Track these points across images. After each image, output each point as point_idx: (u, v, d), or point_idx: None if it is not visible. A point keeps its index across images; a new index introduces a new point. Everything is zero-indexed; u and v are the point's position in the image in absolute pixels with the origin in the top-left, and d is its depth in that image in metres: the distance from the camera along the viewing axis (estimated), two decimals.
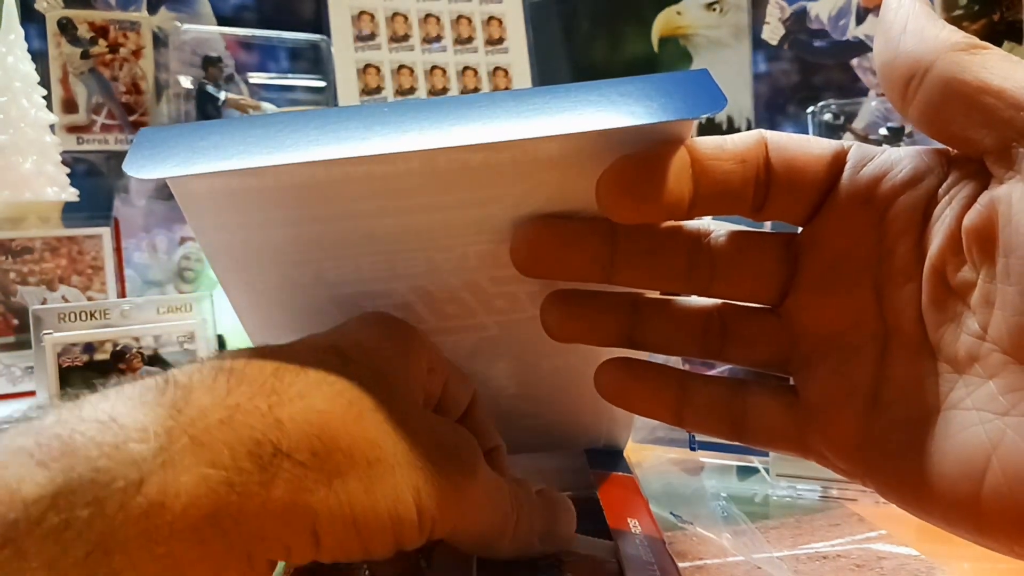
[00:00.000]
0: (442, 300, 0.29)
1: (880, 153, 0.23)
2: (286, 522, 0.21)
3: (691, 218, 0.24)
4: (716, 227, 0.25)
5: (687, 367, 0.36)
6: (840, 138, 0.65)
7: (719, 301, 0.26)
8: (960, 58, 0.20)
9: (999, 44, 0.63)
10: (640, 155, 0.23)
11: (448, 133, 0.22)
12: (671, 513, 0.40)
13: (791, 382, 0.25)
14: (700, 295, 0.25)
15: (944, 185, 0.22)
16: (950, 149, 0.22)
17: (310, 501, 0.21)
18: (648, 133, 0.23)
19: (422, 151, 0.22)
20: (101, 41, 0.78)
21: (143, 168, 0.22)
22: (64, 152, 0.69)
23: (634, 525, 0.31)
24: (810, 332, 0.24)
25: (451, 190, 0.25)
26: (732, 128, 0.93)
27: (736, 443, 0.26)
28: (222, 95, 0.80)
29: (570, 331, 0.26)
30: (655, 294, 0.27)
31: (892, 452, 0.22)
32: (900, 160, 0.22)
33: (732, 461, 0.48)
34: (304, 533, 0.21)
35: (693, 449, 0.48)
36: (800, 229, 0.25)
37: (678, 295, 0.27)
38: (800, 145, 0.23)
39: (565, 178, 0.25)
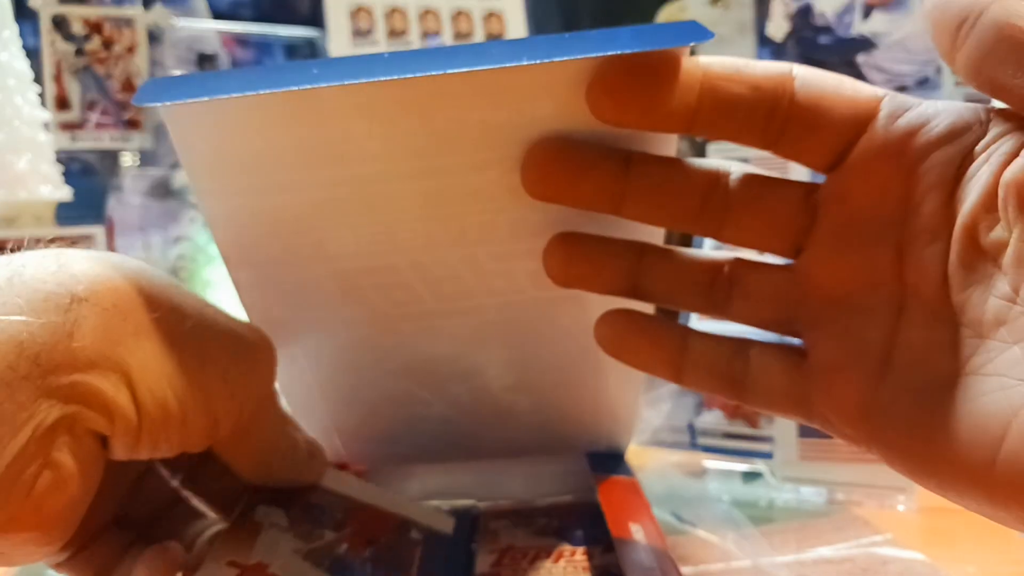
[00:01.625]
0: (441, 277, 0.29)
1: (917, 105, 0.22)
2: (98, 371, 0.21)
3: (691, 134, 0.23)
4: (735, 169, 0.24)
5: None
6: None
7: (729, 255, 0.25)
8: (1017, 2, 0.19)
9: None
10: (640, 55, 0.22)
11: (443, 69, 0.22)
12: (672, 514, 0.40)
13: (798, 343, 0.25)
14: (710, 238, 0.25)
15: (982, 142, 0.21)
16: (991, 105, 0.21)
17: (120, 351, 0.21)
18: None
19: (421, 87, 0.23)
20: (95, 37, 0.78)
21: (146, 101, 0.23)
22: (58, 150, 0.68)
23: (636, 529, 0.31)
24: (823, 290, 0.23)
25: (449, 152, 0.25)
26: None
27: (736, 402, 0.25)
28: None
29: (574, 273, 0.26)
30: (661, 241, 0.26)
31: (901, 417, 0.21)
32: (938, 114, 0.22)
33: (736, 465, 0.48)
34: (119, 386, 0.21)
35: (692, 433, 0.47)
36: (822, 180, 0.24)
37: (687, 236, 0.26)
38: (832, 85, 0.23)
39: None
